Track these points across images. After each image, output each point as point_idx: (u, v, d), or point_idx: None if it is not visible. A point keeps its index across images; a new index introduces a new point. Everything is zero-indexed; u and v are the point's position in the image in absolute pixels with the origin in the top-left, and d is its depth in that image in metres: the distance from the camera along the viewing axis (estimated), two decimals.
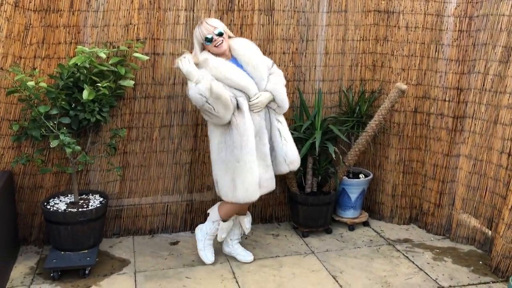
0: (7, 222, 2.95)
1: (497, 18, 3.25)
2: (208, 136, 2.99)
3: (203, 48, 2.91)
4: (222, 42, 2.85)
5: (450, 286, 2.96)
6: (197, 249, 3.16)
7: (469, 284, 2.98)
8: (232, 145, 2.82)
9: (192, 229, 3.64)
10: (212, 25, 2.85)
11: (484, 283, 3.00)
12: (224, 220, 3.08)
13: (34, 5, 2.98)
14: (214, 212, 3.10)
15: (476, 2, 3.35)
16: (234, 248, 3.19)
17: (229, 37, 2.98)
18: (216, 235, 3.12)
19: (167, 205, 3.58)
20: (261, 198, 3.66)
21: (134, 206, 3.52)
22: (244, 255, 3.19)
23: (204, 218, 3.64)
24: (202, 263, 3.16)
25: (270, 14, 3.48)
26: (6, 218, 2.89)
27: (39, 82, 2.74)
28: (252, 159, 2.85)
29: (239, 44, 2.99)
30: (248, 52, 2.97)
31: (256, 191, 2.90)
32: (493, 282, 3.01)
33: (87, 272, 2.95)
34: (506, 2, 3.20)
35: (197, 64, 2.81)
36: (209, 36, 2.83)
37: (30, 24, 3.00)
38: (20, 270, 3.02)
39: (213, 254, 3.15)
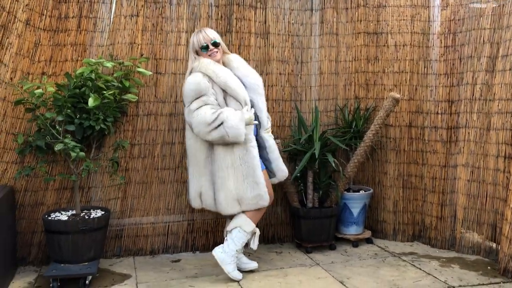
0: (6, 236, 2.90)
1: (479, 32, 3.46)
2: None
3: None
4: (217, 52, 3.00)
5: (460, 285, 2.90)
6: (227, 273, 2.96)
7: (479, 284, 2.92)
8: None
9: (193, 249, 3.58)
10: (209, 35, 3.00)
11: (495, 283, 2.94)
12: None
13: (44, 24, 3.17)
14: (246, 222, 2.97)
15: (458, 20, 3.59)
16: (239, 257, 3.12)
17: (224, 52, 3.13)
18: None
19: (168, 225, 3.54)
20: (262, 218, 3.67)
21: (135, 226, 3.48)
22: (248, 262, 3.13)
23: (206, 237, 3.60)
24: (206, 274, 3.10)
25: (266, 37, 3.69)
26: (5, 233, 2.85)
27: (48, 87, 2.83)
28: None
29: (234, 57, 3.16)
30: (244, 65, 3.15)
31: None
32: (503, 282, 2.96)
33: (87, 282, 2.87)
34: (486, 17, 3.44)
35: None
36: (205, 45, 2.98)
37: (39, 42, 3.16)
38: (17, 285, 2.93)
39: None
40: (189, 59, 3.08)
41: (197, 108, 2.89)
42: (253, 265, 3.12)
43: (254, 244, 3.03)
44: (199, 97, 2.91)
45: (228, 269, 2.97)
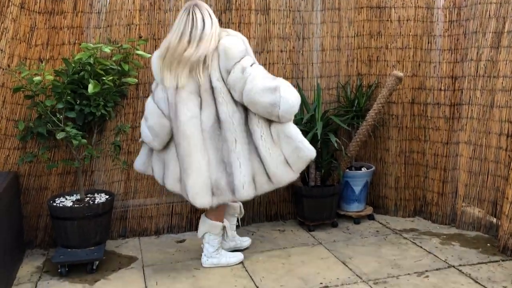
0: (13, 222, 2.93)
1: (485, 7, 3.37)
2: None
3: None
4: None
5: (460, 265, 2.95)
6: (228, 265, 3.00)
7: (479, 263, 2.98)
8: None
9: (197, 229, 3.61)
10: None
11: (494, 261, 3.00)
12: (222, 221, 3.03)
13: (39, 7, 3.08)
14: (212, 226, 2.97)
15: None
16: (235, 237, 3.21)
17: None
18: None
19: (172, 205, 3.58)
20: (265, 195, 3.69)
21: (139, 207, 3.52)
22: (241, 239, 3.24)
23: None
24: None
25: (266, 13, 3.60)
26: (12, 217, 2.88)
27: (46, 75, 2.79)
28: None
29: None
30: None
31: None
32: (502, 260, 3.01)
33: (94, 267, 2.93)
34: None
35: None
36: None
37: (35, 25, 3.09)
38: (26, 270, 2.99)
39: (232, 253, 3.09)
40: (211, 25, 2.70)
41: (251, 65, 2.71)
42: (245, 243, 3.26)
43: (229, 232, 3.12)
44: (245, 56, 2.73)
45: (225, 263, 3.00)
